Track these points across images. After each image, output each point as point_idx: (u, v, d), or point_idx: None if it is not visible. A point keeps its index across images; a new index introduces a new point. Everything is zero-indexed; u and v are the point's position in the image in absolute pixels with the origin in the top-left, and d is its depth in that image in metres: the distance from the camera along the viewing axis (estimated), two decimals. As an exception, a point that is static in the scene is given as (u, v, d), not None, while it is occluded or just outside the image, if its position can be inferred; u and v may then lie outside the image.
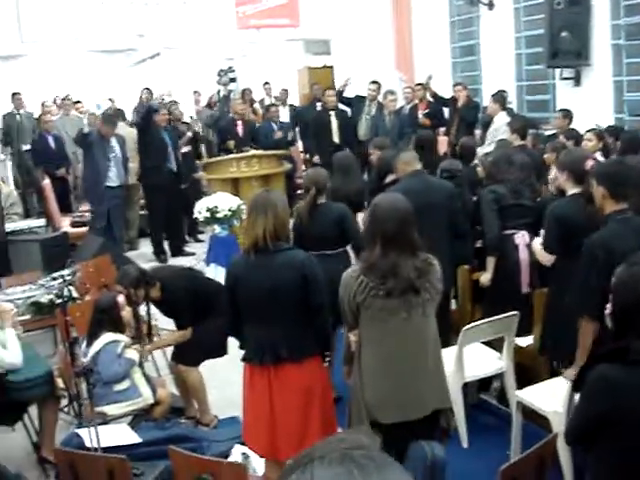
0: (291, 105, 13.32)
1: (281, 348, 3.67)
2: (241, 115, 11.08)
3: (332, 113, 10.90)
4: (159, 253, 9.72)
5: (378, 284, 3.30)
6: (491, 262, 5.35)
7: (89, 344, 4.85)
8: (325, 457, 1.09)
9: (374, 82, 11.19)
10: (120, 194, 9.43)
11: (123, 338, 4.87)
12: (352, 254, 5.29)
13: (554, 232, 4.48)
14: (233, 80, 12.38)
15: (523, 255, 5.20)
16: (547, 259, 4.61)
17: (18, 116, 11.04)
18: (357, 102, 11.33)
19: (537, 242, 4.74)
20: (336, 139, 10.77)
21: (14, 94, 11.23)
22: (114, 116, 9.75)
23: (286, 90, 13.45)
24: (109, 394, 4.73)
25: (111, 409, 4.72)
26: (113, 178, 9.25)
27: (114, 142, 9.31)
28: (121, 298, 4.93)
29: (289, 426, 3.72)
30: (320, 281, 3.70)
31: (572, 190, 4.48)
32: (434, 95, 10.91)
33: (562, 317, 4.37)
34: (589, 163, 4.40)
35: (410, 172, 5.34)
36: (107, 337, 4.82)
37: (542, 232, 4.64)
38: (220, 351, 5.11)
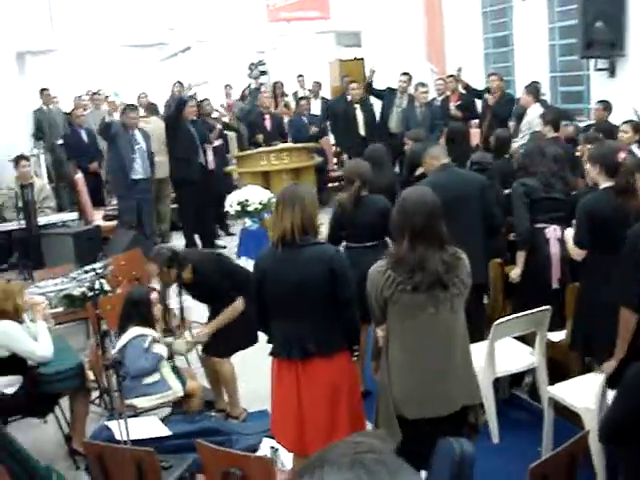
0: (323, 98, 13.29)
1: (309, 343, 3.65)
2: (268, 109, 11.08)
3: (357, 106, 10.87)
4: (190, 246, 9.77)
5: (405, 278, 3.27)
6: (521, 256, 5.28)
7: (119, 336, 4.89)
8: (335, 462, 1.07)
9: (405, 74, 11.11)
10: (147, 187, 9.45)
11: (151, 333, 4.89)
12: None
13: (585, 227, 4.42)
14: (264, 73, 12.41)
15: (554, 249, 5.11)
16: (578, 254, 4.55)
17: (48, 111, 11.12)
18: (388, 94, 11.26)
19: (569, 234, 4.67)
20: (362, 132, 10.72)
21: (42, 90, 11.34)
22: (135, 106, 9.77)
23: (318, 83, 13.42)
24: (138, 387, 4.76)
25: (140, 402, 4.75)
26: (139, 170, 9.27)
27: (138, 134, 9.35)
28: (154, 295, 4.95)
29: (317, 421, 3.70)
30: (348, 275, 3.68)
31: (605, 184, 4.40)
32: (466, 87, 10.81)
33: (593, 312, 4.32)
34: (621, 155, 4.31)
35: (438, 166, 5.29)
36: (134, 331, 4.85)
37: (573, 226, 4.58)
38: (251, 340, 5.07)
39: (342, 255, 3.75)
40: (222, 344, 5.11)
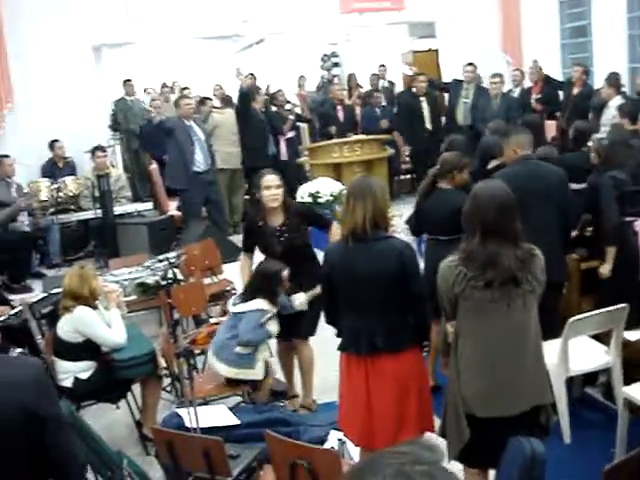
0: (390, 81, 13.20)
1: (377, 338, 3.62)
2: (341, 100, 11.07)
3: (423, 99, 10.73)
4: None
5: (477, 274, 3.22)
6: (611, 252, 5.16)
7: (242, 302, 4.92)
8: (379, 472, 1.04)
9: (470, 64, 10.97)
10: (211, 178, 9.53)
11: (272, 310, 4.88)
12: None
13: None
14: (336, 65, 12.36)
15: (643, 243, 4.97)
16: None
17: (129, 102, 11.34)
18: (454, 86, 11.10)
19: None
20: (428, 125, 10.59)
21: (126, 81, 11.54)
22: (186, 95, 9.87)
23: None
24: (228, 351, 4.77)
25: (221, 368, 4.78)
26: (200, 162, 9.35)
27: (194, 125, 9.43)
28: (286, 272, 4.92)
29: (385, 416, 3.68)
30: (418, 270, 3.64)
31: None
32: (546, 78, 10.56)
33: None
34: None
35: (519, 157, 5.13)
36: (258, 304, 4.84)
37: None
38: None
39: (412, 249, 3.70)
40: (308, 323, 5.05)
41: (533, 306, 3.29)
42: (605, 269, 5.19)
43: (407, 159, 12.54)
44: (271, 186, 5.00)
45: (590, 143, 6.72)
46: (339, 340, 3.89)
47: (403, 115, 11.34)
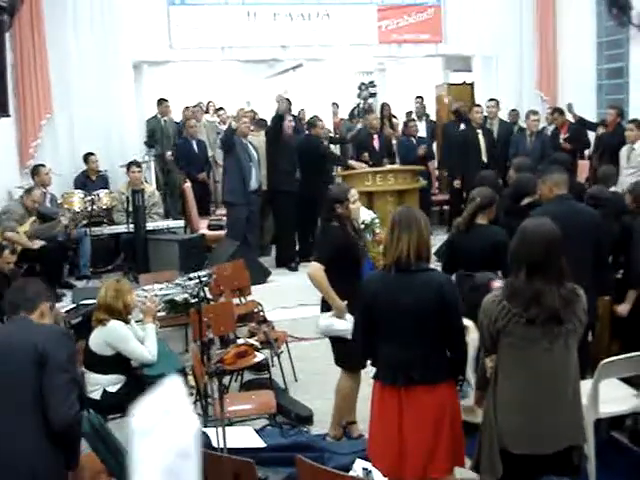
0: (429, 120, 13.25)
1: (414, 370, 3.60)
2: (376, 129, 11.13)
3: (480, 131, 10.74)
4: (290, 259, 9.83)
5: (521, 311, 3.22)
6: (632, 295, 5.16)
7: None
8: None
9: (492, 99, 11.01)
10: (257, 200, 9.62)
11: None
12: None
13: None
14: (373, 95, 12.39)
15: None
16: None
17: (163, 121, 11.47)
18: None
19: None
20: (484, 158, 10.58)
21: (162, 100, 11.65)
22: (240, 116, 9.96)
23: (424, 105, 13.39)
24: None
25: None
26: (254, 181, 9.46)
27: (249, 144, 9.54)
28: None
29: (417, 449, 3.65)
30: (459, 304, 3.63)
31: None
32: (579, 120, 10.55)
33: None
34: None
35: (555, 196, 5.15)
36: None
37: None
38: None
39: (453, 283, 3.70)
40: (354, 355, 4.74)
41: (574, 346, 3.29)
42: (622, 309, 5.21)
43: (437, 190, 12.61)
44: (357, 199, 5.17)
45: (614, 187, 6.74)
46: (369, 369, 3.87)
47: (455, 146, 11.22)
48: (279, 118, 9.87)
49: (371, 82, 12.81)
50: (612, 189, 6.63)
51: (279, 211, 10.15)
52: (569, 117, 10.68)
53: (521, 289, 3.24)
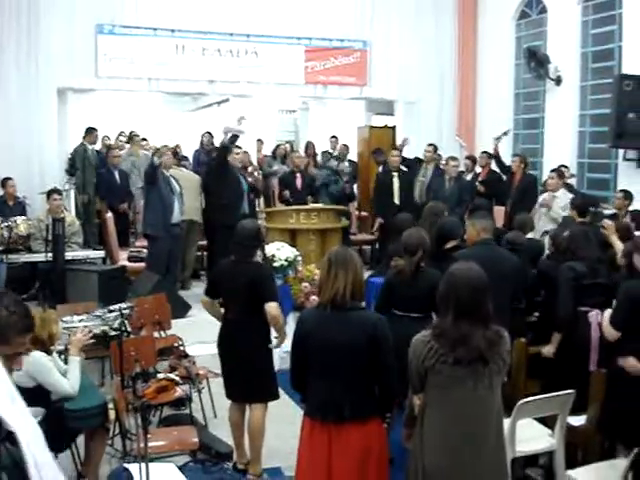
0: (350, 161, 13.47)
1: (345, 407, 3.64)
2: (299, 168, 11.25)
3: (395, 174, 10.97)
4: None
5: (447, 351, 3.32)
6: (557, 337, 5.40)
7: None
8: None
9: (430, 144, 11.34)
10: (180, 233, 9.57)
11: None
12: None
13: (624, 310, 4.53)
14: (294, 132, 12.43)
15: (595, 334, 5.19)
16: (612, 335, 4.65)
17: (89, 151, 11.30)
18: (414, 164, 11.44)
19: (606, 315, 4.77)
20: (396, 200, 10.79)
21: (91, 129, 11.48)
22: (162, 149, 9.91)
23: (347, 146, 13.64)
24: None
25: None
26: (176, 213, 9.43)
27: (172, 177, 9.54)
28: None
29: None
30: (390, 343, 3.69)
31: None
32: (496, 156, 10.94)
33: (625, 395, 4.36)
34: None
35: (481, 240, 5.36)
36: None
37: (612, 307, 4.67)
38: None
39: (385, 322, 3.77)
40: (270, 385, 5.08)
41: (498, 387, 3.40)
42: (547, 350, 5.44)
43: (356, 230, 12.81)
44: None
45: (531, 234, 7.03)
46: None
47: (376, 188, 11.43)
48: (225, 149, 9.76)
49: (294, 121, 13.01)
50: (529, 235, 6.91)
51: (213, 244, 10.04)
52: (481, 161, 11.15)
53: (448, 331, 3.34)
